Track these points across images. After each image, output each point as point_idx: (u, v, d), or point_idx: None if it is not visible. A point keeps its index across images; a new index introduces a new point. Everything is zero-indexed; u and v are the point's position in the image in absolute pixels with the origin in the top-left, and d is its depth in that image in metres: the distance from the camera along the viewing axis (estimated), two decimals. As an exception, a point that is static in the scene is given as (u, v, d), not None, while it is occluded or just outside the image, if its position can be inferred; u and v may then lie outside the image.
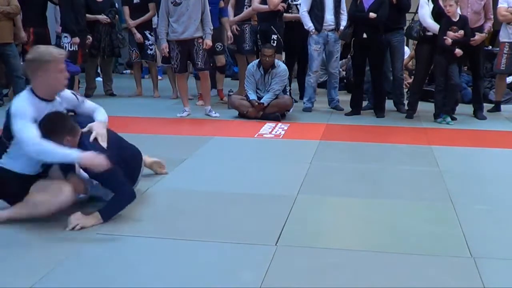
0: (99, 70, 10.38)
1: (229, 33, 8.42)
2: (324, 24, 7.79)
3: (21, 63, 8.46)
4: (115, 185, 3.60)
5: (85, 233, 3.41)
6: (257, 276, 2.87)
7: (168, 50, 7.28)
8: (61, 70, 3.58)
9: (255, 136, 6.36)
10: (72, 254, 3.12)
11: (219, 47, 8.45)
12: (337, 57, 8.12)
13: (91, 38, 8.80)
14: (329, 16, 7.80)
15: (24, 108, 3.44)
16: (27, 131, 3.36)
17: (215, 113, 7.45)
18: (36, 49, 3.60)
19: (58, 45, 8.25)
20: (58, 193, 3.50)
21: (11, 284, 2.78)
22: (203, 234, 3.43)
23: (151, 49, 9.06)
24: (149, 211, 3.85)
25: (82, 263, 3.04)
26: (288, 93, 7.73)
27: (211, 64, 8.11)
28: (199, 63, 7.30)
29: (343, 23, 7.83)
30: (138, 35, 8.92)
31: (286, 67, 7.52)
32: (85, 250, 3.21)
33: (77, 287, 2.79)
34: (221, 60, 8.66)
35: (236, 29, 8.44)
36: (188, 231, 3.49)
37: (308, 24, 7.80)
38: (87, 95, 9.03)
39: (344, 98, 8.40)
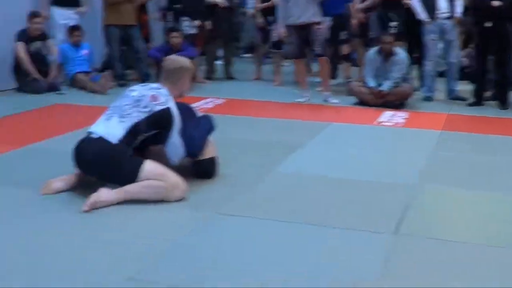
0: (219, 54, 10.57)
1: (354, 21, 8.22)
2: (438, 11, 7.49)
3: (144, 45, 8.71)
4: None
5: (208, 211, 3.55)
6: (375, 265, 2.87)
7: (285, 35, 7.31)
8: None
9: (374, 123, 6.31)
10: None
11: (343, 36, 8.32)
12: (456, 45, 7.84)
13: (210, 22, 8.97)
14: (442, 3, 7.50)
15: None
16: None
17: (334, 99, 7.43)
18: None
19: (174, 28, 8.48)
20: (175, 189, 3.68)
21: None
22: (322, 219, 3.46)
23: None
24: (268, 195, 3.93)
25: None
26: (408, 82, 7.59)
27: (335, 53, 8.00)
28: (316, 48, 7.29)
29: (459, 9, 7.51)
30: (260, 20, 8.98)
31: (406, 55, 7.39)
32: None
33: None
34: (345, 49, 8.54)
35: (363, 17, 8.32)
36: (307, 216, 3.53)
37: (421, 14, 7.56)
38: (208, 78, 9.27)
39: (466, 88, 8.13)
